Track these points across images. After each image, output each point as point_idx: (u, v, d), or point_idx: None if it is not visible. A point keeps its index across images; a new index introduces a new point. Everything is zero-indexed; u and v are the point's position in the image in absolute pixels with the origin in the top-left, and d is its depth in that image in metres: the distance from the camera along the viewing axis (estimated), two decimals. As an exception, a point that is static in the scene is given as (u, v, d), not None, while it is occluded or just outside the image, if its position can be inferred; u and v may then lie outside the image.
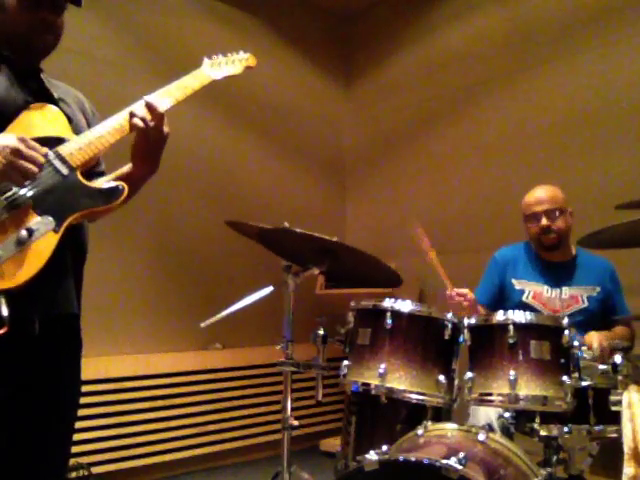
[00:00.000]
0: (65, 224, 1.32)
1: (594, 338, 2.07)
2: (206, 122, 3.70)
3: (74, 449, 3.04)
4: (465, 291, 2.24)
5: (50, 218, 1.30)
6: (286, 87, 4.38)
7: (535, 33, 3.62)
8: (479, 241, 3.70)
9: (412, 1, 4.39)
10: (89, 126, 1.55)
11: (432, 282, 2.96)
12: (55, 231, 1.30)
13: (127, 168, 1.55)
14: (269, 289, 2.24)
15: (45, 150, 1.33)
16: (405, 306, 1.79)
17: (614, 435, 1.63)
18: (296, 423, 1.98)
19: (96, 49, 3.37)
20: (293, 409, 1.99)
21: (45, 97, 1.45)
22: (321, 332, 1.91)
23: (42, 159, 1.30)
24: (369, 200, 4.62)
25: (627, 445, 1.43)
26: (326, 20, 4.79)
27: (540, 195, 2.48)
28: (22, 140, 1.27)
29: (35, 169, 1.27)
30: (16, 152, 1.24)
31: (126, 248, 3.45)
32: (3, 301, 1.20)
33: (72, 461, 2.90)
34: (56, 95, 1.48)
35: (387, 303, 1.80)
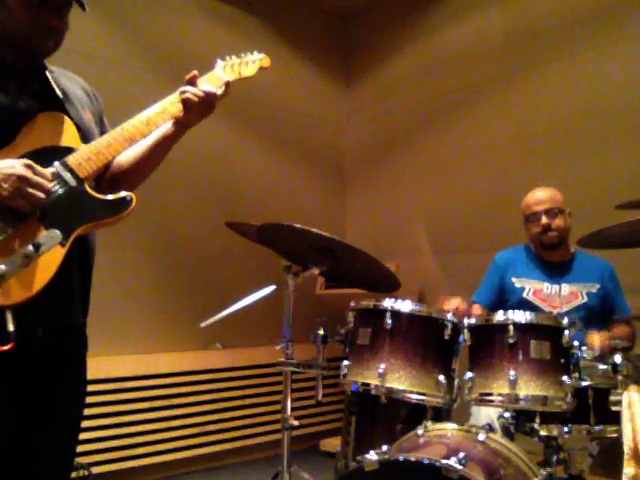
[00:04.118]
0: (72, 237, 1.31)
1: (595, 340, 2.08)
2: (206, 122, 3.68)
3: (74, 449, 3.00)
4: (456, 304, 2.17)
5: (57, 231, 1.29)
6: (286, 87, 4.38)
7: (534, 34, 3.62)
8: (479, 241, 3.70)
9: (412, 1, 4.39)
10: (95, 119, 1.54)
11: (432, 281, 2.96)
12: (62, 245, 1.29)
13: (166, 130, 1.54)
14: (271, 288, 2.24)
15: (51, 175, 1.32)
16: (405, 306, 1.79)
17: (614, 435, 1.63)
18: (296, 423, 1.98)
19: (97, 49, 3.37)
20: (293, 409, 2.00)
21: (50, 99, 1.44)
22: (321, 332, 1.91)
23: (49, 185, 1.29)
24: (369, 200, 4.62)
25: (627, 445, 1.43)
26: (326, 20, 4.79)
27: (539, 195, 2.53)
28: (29, 167, 1.26)
29: (42, 196, 1.26)
30: (23, 179, 1.23)
31: (126, 248, 3.44)
32: (10, 317, 1.19)
33: (72, 461, 2.90)
34: (61, 95, 1.46)
35: (387, 303, 1.80)
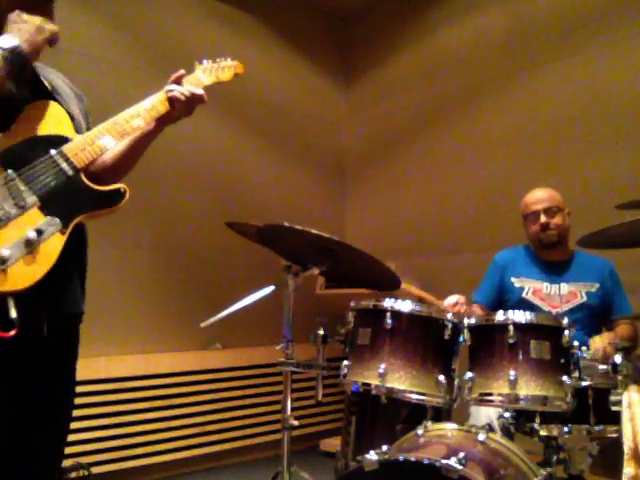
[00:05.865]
0: (71, 226, 1.33)
1: (599, 346, 2.07)
2: (206, 122, 3.70)
3: (74, 449, 3.02)
4: (454, 299, 2.25)
5: (57, 219, 1.31)
6: (286, 87, 4.38)
7: (534, 34, 3.62)
8: (479, 241, 3.70)
9: (412, 1, 4.39)
10: (81, 112, 1.55)
11: (432, 282, 2.96)
12: (62, 232, 1.31)
13: (147, 126, 1.55)
14: (270, 288, 2.23)
15: None
16: (405, 306, 1.79)
17: (614, 435, 1.63)
18: (296, 423, 1.98)
19: (95, 49, 3.36)
20: (293, 409, 1.99)
21: (41, 89, 1.45)
22: (321, 332, 1.91)
23: None
24: (369, 200, 4.62)
25: (627, 445, 1.43)
26: (326, 20, 4.79)
27: (538, 195, 2.54)
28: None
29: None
30: None
31: (126, 248, 3.45)
32: (12, 303, 1.20)
33: (72, 461, 2.90)
34: (49, 86, 1.48)
35: (387, 303, 1.80)
